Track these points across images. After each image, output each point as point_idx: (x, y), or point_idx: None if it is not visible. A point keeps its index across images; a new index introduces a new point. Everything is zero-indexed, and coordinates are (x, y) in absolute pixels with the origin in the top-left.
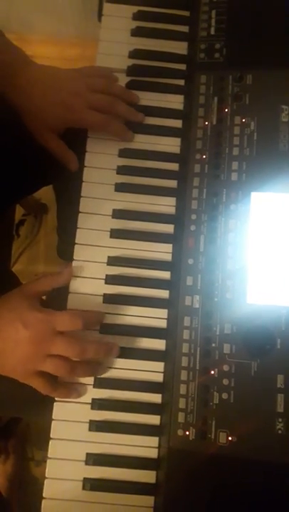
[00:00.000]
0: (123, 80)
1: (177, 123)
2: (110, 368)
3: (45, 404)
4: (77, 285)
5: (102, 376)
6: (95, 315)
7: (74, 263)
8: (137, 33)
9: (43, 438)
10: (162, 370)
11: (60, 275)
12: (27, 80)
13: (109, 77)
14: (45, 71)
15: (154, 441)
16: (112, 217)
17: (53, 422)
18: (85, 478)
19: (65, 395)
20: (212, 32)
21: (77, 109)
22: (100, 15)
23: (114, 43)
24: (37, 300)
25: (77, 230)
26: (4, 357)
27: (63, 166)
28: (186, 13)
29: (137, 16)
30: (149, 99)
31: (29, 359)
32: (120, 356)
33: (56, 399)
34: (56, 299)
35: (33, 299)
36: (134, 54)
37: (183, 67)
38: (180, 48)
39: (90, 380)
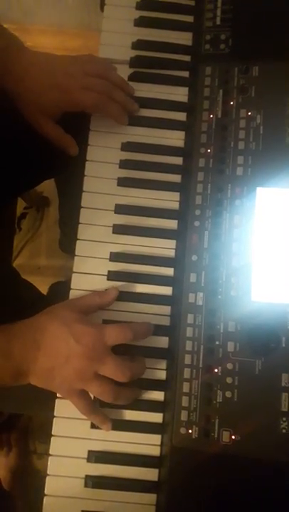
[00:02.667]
0: (126, 71)
1: (181, 116)
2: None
3: (46, 402)
4: (79, 281)
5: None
6: (144, 326)
7: (76, 259)
8: (140, 23)
9: (45, 431)
10: (165, 367)
11: (106, 294)
12: (21, 65)
13: (107, 65)
14: (39, 56)
15: (156, 439)
16: (115, 213)
17: (55, 419)
18: (86, 476)
19: (100, 422)
20: (218, 22)
21: (73, 91)
22: (102, 4)
23: (117, 34)
24: (86, 315)
25: (79, 225)
26: (53, 374)
27: (63, 152)
28: (191, 3)
29: (141, 6)
30: (152, 91)
31: (78, 376)
32: (122, 353)
33: (58, 395)
34: (57, 296)
35: (82, 312)
36: (138, 45)
37: (187, 58)
38: (184, 38)
39: None
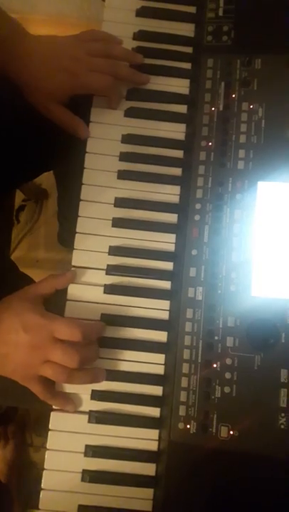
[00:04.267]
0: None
1: (182, 108)
2: (111, 359)
3: None
4: (77, 275)
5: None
6: (96, 327)
7: (75, 252)
8: (142, 13)
9: (41, 424)
10: (163, 362)
11: (62, 277)
12: (25, 51)
13: (109, 40)
14: (42, 41)
15: (154, 433)
16: (114, 206)
17: (52, 413)
18: (84, 470)
19: (61, 405)
20: (220, 13)
21: (80, 73)
22: None
23: (119, 24)
24: (40, 303)
25: (78, 218)
26: (6, 360)
27: (73, 135)
28: None
29: None
30: (153, 82)
31: (28, 364)
32: (121, 348)
33: (56, 389)
34: (57, 291)
35: (35, 301)
36: (139, 35)
37: (189, 50)
38: (187, 29)
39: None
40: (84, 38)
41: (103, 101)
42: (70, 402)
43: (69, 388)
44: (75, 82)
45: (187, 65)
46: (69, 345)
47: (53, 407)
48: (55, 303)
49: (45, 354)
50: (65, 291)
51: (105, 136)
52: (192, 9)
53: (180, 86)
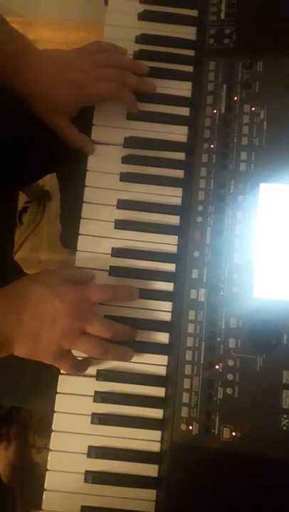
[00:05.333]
0: None
1: (185, 111)
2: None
3: (46, 395)
4: None
5: (104, 368)
6: (127, 289)
7: (77, 254)
8: (144, 17)
9: (44, 425)
10: (166, 363)
11: (85, 272)
12: (32, 66)
13: (114, 50)
14: (48, 55)
15: (156, 435)
16: (117, 208)
17: (55, 414)
18: (86, 471)
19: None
20: (222, 16)
21: (87, 84)
22: None
23: (121, 28)
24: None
25: (81, 220)
26: (40, 336)
27: (79, 150)
28: None
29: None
30: (155, 85)
31: (67, 335)
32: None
33: (58, 391)
34: None
35: (61, 277)
36: (142, 39)
37: (191, 53)
38: (189, 32)
39: (92, 372)
40: (89, 49)
41: (106, 104)
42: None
43: (72, 389)
44: (82, 93)
45: (189, 68)
46: (105, 319)
47: (55, 408)
48: None
49: (83, 324)
50: None
51: (108, 139)
52: (194, 12)
53: (182, 89)
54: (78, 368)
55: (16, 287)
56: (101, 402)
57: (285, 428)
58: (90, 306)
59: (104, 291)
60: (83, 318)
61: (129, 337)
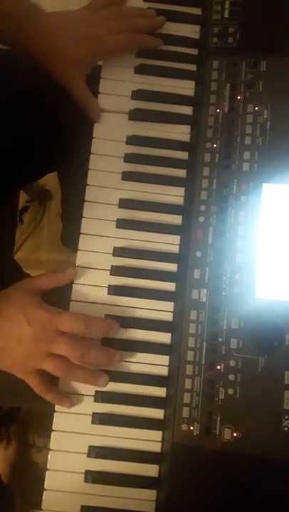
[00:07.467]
0: (132, 62)
1: (187, 110)
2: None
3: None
4: (81, 276)
5: (105, 368)
6: (103, 324)
7: (78, 253)
8: None
9: (44, 425)
10: (167, 363)
11: (63, 274)
12: (45, 27)
13: (119, 2)
14: (59, 15)
15: (157, 435)
16: (119, 207)
17: (56, 414)
18: (87, 471)
19: (57, 401)
20: (226, 15)
21: (102, 37)
22: None
23: None
24: (39, 296)
25: (83, 219)
26: (5, 354)
27: (85, 114)
28: None
29: None
30: (158, 84)
31: (30, 356)
32: (125, 349)
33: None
34: (61, 289)
35: (35, 295)
36: None
37: (194, 51)
38: (192, 31)
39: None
40: (96, 5)
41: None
42: (66, 399)
43: (72, 388)
44: (100, 46)
45: (192, 67)
46: (73, 338)
47: (56, 408)
48: (58, 303)
49: (48, 346)
50: (69, 291)
51: (110, 138)
52: (198, 11)
53: (185, 87)
54: (45, 388)
55: None
56: (102, 401)
57: (286, 429)
58: (56, 331)
59: (77, 324)
60: (47, 341)
61: (106, 358)
